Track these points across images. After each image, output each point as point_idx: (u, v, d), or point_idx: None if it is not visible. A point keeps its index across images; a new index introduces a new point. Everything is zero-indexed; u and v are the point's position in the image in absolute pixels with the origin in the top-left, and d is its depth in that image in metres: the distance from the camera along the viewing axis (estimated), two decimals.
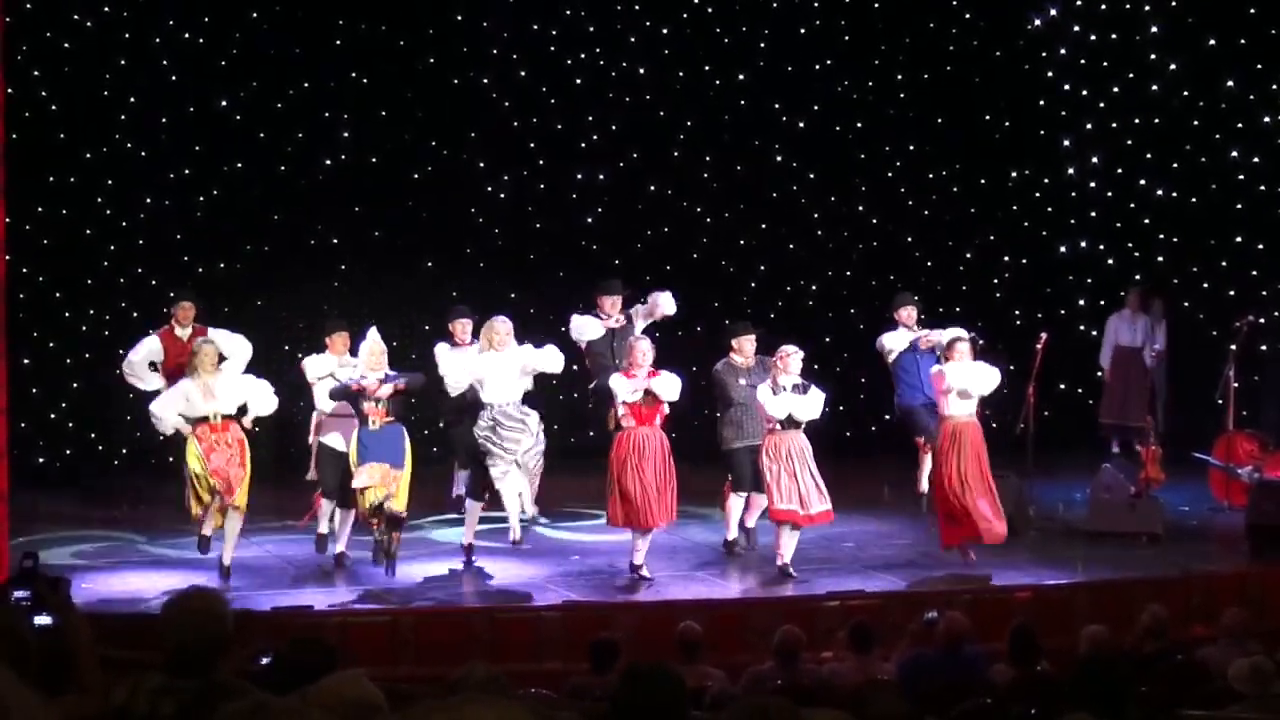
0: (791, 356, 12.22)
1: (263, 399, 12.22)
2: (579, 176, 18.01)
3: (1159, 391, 17.08)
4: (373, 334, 12.23)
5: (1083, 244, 18.85)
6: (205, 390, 11.93)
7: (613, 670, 8.77)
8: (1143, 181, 18.51)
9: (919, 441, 13.99)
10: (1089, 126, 18.55)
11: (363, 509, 11.86)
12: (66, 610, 6.75)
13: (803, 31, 18.42)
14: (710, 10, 18.21)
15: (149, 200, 16.81)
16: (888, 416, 15.55)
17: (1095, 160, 18.59)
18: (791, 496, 12.05)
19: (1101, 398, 17.60)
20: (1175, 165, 18.34)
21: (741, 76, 18.37)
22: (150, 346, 13.48)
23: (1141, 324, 17.44)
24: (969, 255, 18.95)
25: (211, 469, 11.66)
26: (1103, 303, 18.04)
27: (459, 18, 17.57)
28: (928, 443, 13.45)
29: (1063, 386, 18.21)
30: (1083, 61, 18.46)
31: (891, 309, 14.59)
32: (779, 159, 18.49)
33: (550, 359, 12.31)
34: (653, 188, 18.21)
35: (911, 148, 18.65)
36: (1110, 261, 18.67)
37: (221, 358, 12.34)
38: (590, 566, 12.52)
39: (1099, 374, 17.63)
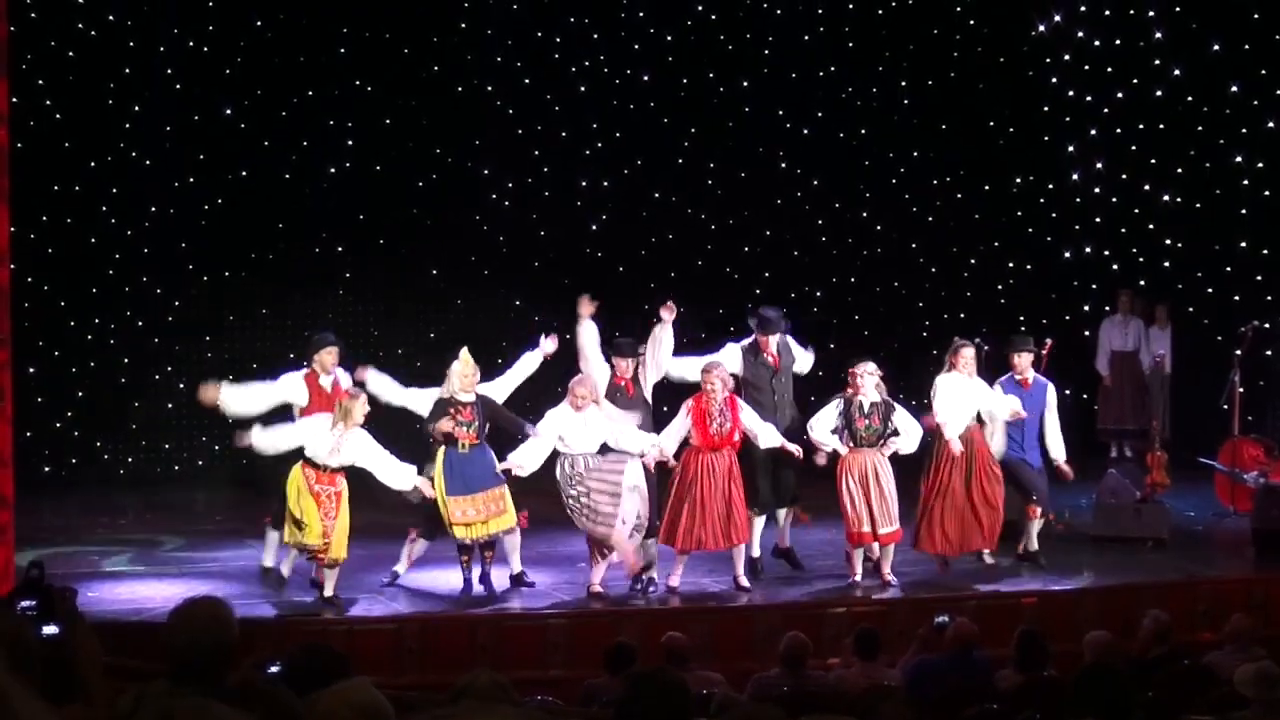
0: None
1: (391, 473, 11.67)
2: (583, 184, 18.03)
3: (1156, 396, 17.07)
4: (464, 354, 11.92)
5: (1087, 250, 18.84)
6: (335, 445, 11.37)
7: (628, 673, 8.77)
8: (1147, 187, 18.50)
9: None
10: (1093, 132, 18.54)
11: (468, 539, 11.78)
12: (72, 619, 6.77)
13: (806, 39, 18.44)
14: (714, 18, 18.23)
15: (154, 209, 16.83)
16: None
17: (1099, 166, 18.58)
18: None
19: (1099, 403, 17.63)
20: (1179, 171, 18.32)
21: (745, 84, 18.39)
22: (292, 388, 12.14)
23: (1134, 327, 17.45)
24: (973, 261, 18.96)
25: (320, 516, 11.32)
26: (1107, 309, 18.05)
27: (463, 26, 17.61)
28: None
29: (1068, 392, 18.18)
30: (1086, 68, 18.46)
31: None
32: (783, 166, 18.50)
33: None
34: (657, 195, 18.23)
35: (916, 154, 18.66)
36: (1115, 267, 18.66)
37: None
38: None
39: (1102, 379, 17.66)
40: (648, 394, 12.43)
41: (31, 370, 15.78)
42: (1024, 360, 13.01)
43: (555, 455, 11.89)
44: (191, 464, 16.86)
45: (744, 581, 12.15)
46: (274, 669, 6.21)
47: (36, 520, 13.18)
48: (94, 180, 16.65)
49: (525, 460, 11.80)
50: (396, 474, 11.59)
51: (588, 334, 12.38)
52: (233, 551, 12.02)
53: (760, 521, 12.59)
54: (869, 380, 12.17)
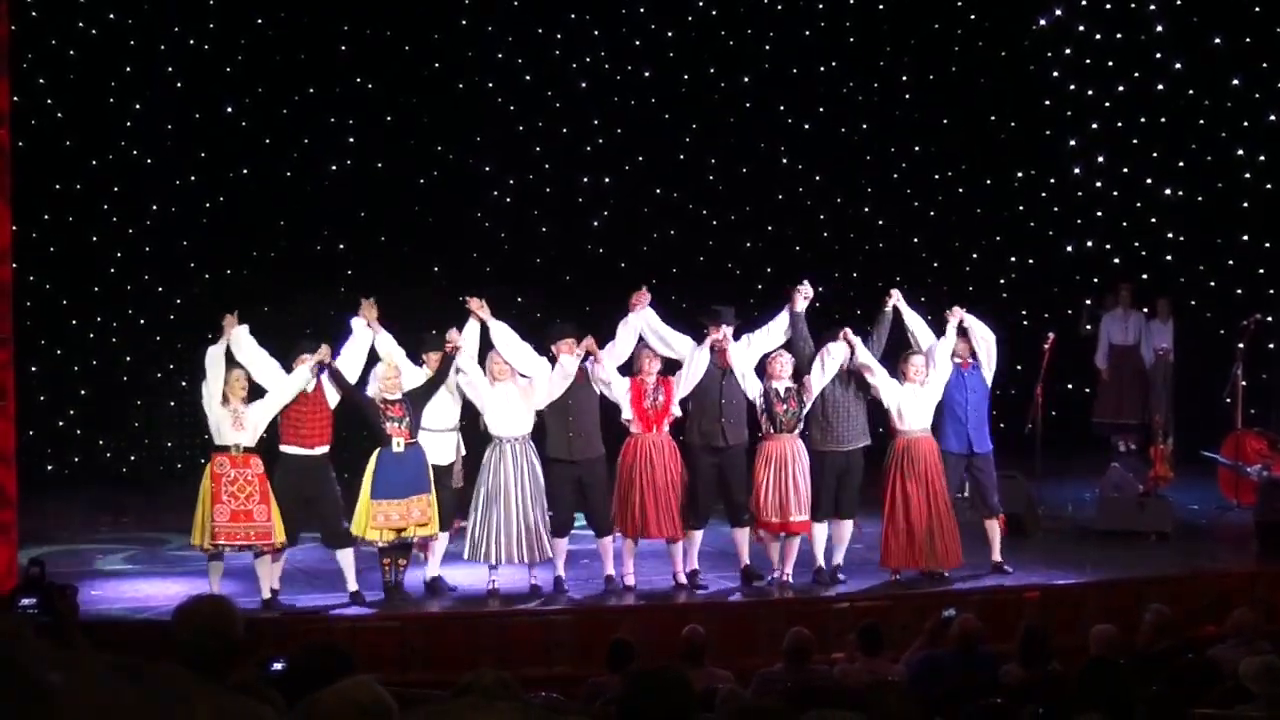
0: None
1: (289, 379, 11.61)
2: (585, 180, 18.03)
3: (1159, 389, 17.07)
4: (388, 356, 11.91)
5: (1089, 244, 18.85)
6: (235, 419, 11.40)
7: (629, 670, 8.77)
8: (1149, 181, 18.50)
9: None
10: (1094, 126, 18.55)
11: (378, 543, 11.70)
12: (69, 616, 6.76)
13: (808, 33, 18.43)
14: (715, 13, 18.22)
15: (155, 207, 16.84)
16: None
17: (1101, 160, 18.59)
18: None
19: (1097, 396, 17.63)
20: (1181, 164, 18.34)
21: (747, 79, 18.38)
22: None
23: (1133, 320, 17.45)
24: (975, 256, 18.96)
25: (230, 514, 11.30)
26: (1104, 301, 18.04)
27: (464, 23, 17.60)
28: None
29: (1070, 386, 18.20)
30: (1088, 61, 18.47)
31: None
32: (784, 161, 18.50)
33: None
34: (658, 190, 18.22)
35: (917, 149, 18.66)
36: (1116, 261, 18.66)
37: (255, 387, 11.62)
38: (599, 571, 12.48)
39: (1100, 373, 17.66)
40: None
41: (33, 369, 15.79)
42: (962, 343, 12.77)
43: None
44: (193, 462, 16.83)
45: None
46: (278, 666, 6.21)
47: (38, 518, 13.17)
48: (95, 179, 16.65)
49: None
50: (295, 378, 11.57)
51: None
52: (235, 550, 12.00)
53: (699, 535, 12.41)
54: (787, 366, 12.14)
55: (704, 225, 18.33)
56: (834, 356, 12.23)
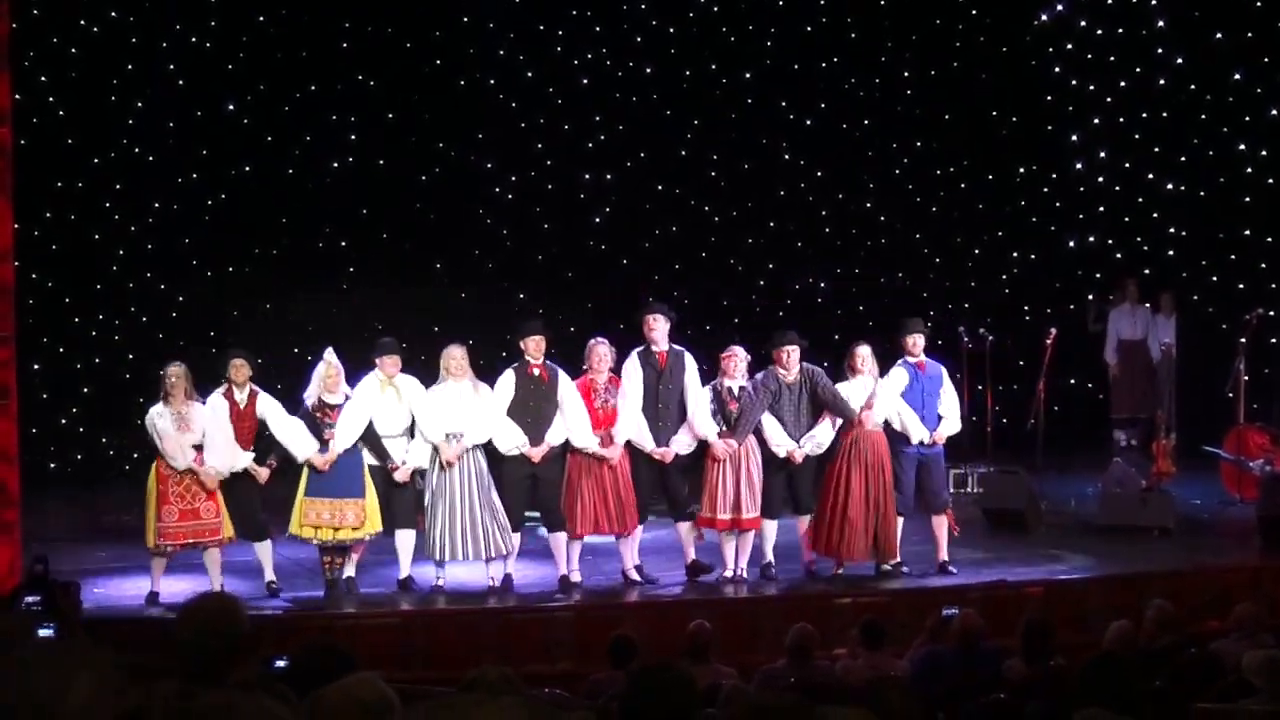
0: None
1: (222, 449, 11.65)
2: (586, 177, 18.03)
3: (1161, 385, 17.06)
4: (328, 355, 11.83)
5: (1091, 239, 18.84)
6: (180, 421, 11.48)
7: (631, 667, 8.78)
8: (1150, 176, 18.50)
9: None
10: (1096, 121, 18.55)
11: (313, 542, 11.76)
12: (72, 614, 6.77)
13: (809, 29, 18.44)
14: (716, 9, 18.22)
15: (157, 205, 16.85)
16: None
17: (1103, 155, 18.59)
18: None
19: (1110, 393, 17.60)
20: (1183, 159, 18.34)
21: (748, 75, 18.38)
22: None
23: (1141, 315, 17.42)
24: (977, 251, 18.95)
25: (179, 514, 11.42)
26: (1111, 297, 18.03)
27: (465, 20, 17.60)
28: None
29: (1073, 382, 18.20)
30: (1089, 57, 18.46)
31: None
32: (786, 157, 18.50)
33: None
34: (660, 187, 18.23)
35: (919, 144, 18.66)
36: (1119, 256, 18.66)
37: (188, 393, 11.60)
38: (600, 569, 12.48)
39: (1109, 370, 17.64)
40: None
41: (35, 367, 15.80)
42: (914, 342, 12.52)
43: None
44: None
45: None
46: (280, 664, 6.22)
47: (41, 516, 13.16)
48: (97, 177, 16.65)
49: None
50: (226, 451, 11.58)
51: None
52: (239, 548, 12.00)
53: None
54: (741, 363, 12.13)
55: (705, 222, 18.33)
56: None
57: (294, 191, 17.18)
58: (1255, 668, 7.50)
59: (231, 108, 17.00)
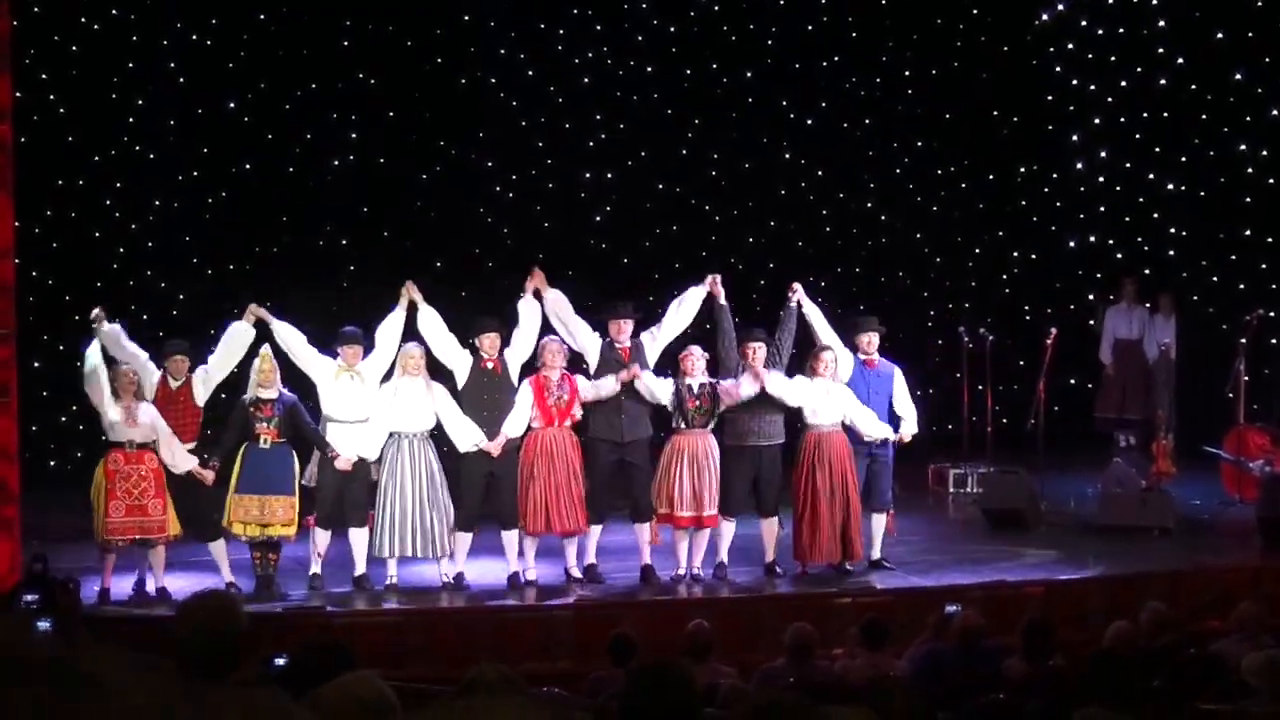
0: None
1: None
2: (587, 175, 18.03)
3: (1161, 385, 17.05)
4: (264, 351, 11.98)
5: (1091, 239, 18.84)
6: (128, 415, 11.60)
7: (631, 665, 8.77)
8: (1151, 176, 18.50)
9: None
10: (1097, 121, 18.54)
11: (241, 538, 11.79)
12: (72, 611, 6.76)
13: (810, 29, 18.43)
14: (717, 8, 18.22)
15: (157, 202, 16.85)
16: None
17: (1103, 155, 18.59)
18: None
19: (1099, 392, 17.60)
20: (1183, 159, 18.33)
21: (749, 74, 18.38)
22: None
23: (1139, 315, 17.41)
24: (978, 251, 18.95)
25: (125, 510, 11.47)
26: (1111, 297, 18.04)
27: (465, 18, 17.59)
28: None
29: (1073, 382, 18.19)
30: (1090, 56, 18.46)
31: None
32: (787, 156, 18.50)
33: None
34: (660, 186, 18.22)
35: (920, 144, 18.66)
36: (1119, 256, 18.66)
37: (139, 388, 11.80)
38: (601, 568, 12.47)
39: (1104, 368, 17.64)
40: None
41: (36, 364, 15.78)
42: (869, 340, 12.60)
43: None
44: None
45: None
46: (279, 662, 6.22)
47: (41, 514, 13.15)
48: (97, 174, 16.66)
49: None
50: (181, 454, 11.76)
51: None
52: (239, 546, 11.99)
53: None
54: (700, 362, 12.13)
55: (706, 221, 18.32)
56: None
57: (294, 190, 17.18)
58: (1255, 669, 7.50)
59: (232, 106, 17.00)
